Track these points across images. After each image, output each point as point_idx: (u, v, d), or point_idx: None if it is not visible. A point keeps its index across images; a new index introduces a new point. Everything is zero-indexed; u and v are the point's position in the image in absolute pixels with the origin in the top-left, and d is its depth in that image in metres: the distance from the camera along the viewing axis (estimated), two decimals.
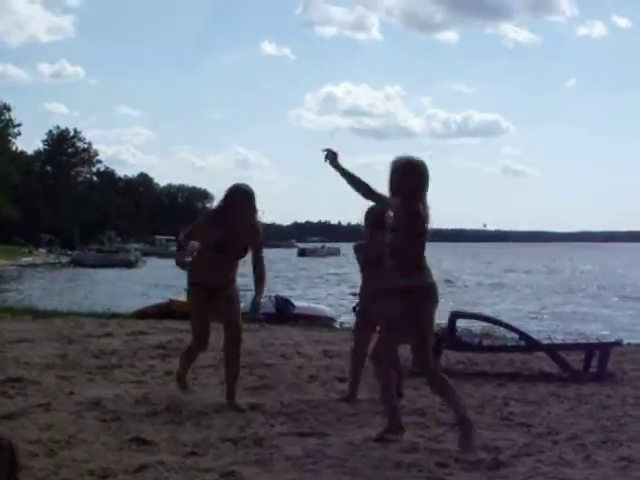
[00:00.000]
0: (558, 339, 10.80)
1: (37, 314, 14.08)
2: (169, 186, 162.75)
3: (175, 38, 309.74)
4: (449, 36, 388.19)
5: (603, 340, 9.62)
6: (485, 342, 9.54)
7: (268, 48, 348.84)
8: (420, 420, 6.21)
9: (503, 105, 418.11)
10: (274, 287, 36.61)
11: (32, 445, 5.13)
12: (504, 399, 7.19)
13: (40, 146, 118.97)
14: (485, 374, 8.62)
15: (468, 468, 4.86)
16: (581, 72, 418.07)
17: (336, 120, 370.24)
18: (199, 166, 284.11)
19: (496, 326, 10.37)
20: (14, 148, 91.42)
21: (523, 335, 9.16)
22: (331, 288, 43.19)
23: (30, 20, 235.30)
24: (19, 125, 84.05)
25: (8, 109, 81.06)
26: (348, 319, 17.33)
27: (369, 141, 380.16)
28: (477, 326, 11.92)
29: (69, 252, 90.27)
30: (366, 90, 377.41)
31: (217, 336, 7.09)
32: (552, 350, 8.87)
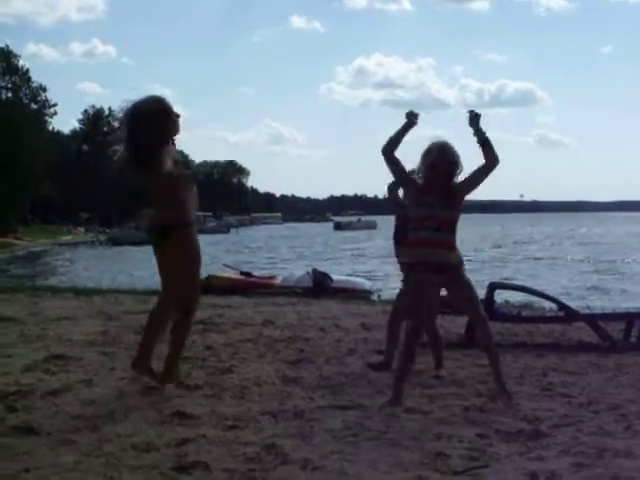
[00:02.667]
0: (597, 309, 10.73)
1: (77, 292, 14.23)
2: (204, 163, 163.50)
3: (205, 15, 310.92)
4: (480, 5, 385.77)
5: None
6: (524, 313, 9.51)
7: (298, 22, 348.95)
8: (459, 391, 6.22)
9: (537, 74, 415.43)
10: (311, 261, 36.84)
11: (75, 420, 5.20)
12: (543, 369, 7.17)
13: (76, 125, 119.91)
14: (524, 345, 8.60)
15: (508, 439, 4.86)
16: (616, 39, 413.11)
17: (368, 93, 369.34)
18: (232, 142, 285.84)
19: (535, 297, 10.32)
20: (50, 128, 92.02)
21: (562, 305, 9.11)
22: (368, 260, 43.19)
23: (60, 0, 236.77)
24: (55, 105, 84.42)
25: (44, 89, 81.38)
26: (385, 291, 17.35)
27: (402, 113, 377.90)
28: (516, 297, 11.87)
29: (107, 230, 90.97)
30: (398, 62, 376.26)
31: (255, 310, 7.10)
32: (591, 320, 8.81)
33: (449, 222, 5.86)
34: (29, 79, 79.21)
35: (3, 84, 77.32)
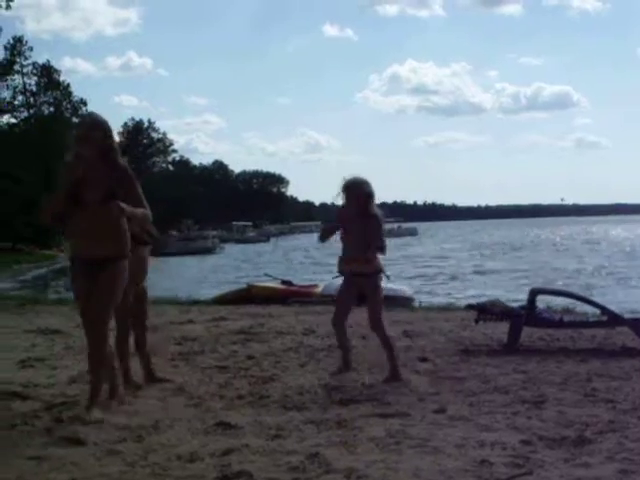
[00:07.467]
0: None
1: None
2: (244, 172, 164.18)
3: (239, 25, 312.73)
4: (513, 9, 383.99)
5: None
6: (566, 318, 9.41)
7: (330, 31, 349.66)
8: (502, 398, 6.19)
9: (573, 76, 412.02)
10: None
11: (121, 431, 5.26)
12: (587, 375, 7.11)
13: (116, 138, 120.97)
14: (567, 350, 8.53)
15: (552, 445, 4.84)
16: None
17: (403, 99, 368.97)
18: (270, 151, 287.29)
19: (577, 301, 10.23)
20: None
21: (605, 310, 9.02)
22: (409, 267, 43.13)
23: (96, 15, 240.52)
24: None
25: (84, 103, 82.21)
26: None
27: (438, 119, 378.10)
28: (558, 302, 11.77)
29: (150, 242, 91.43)
30: (432, 68, 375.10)
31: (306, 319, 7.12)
32: (635, 324, 8.72)
33: None
34: (70, 94, 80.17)
35: (45, 99, 78.31)
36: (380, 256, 7.33)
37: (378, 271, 7.33)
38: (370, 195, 7.20)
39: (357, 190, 7.18)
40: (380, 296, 7.36)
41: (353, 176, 7.27)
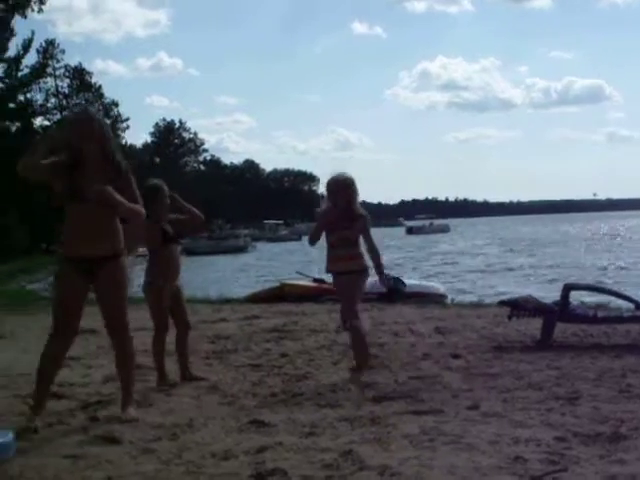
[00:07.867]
0: None
1: None
2: (275, 171, 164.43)
3: (268, 24, 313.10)
4: (542, 3, 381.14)
5: None
6: (600, 313, 9.35)
7: (359, 28, 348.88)
8: (536, 394, 6.16)
9: (605, 70, 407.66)
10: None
11: (155, 429, 5.30)
12: (622, 371, 7.05)
13: (147, 139, 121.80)
14: (601, 346, 8.47)
15: (587, 442, 4.80)
16: None
17: (433, 96, 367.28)
18: (301, 150, 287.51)
19: (611, 297, 10.16)
20: (123, 142, 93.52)
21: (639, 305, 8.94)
22: (439, 264, 42.99)
23: (126, 17, 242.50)
24: (127, 119, 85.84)
25: (116, 105, 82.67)
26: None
27: (469, 115, 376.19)
28: (592, 297, 11.69)
29: (181, 241, 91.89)
30: (461, 64, 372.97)
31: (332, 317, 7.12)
32: None
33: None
34: (102, 95, 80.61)
35: (77, 101, 78.76)
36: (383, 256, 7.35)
37: (365, 269, 7.26)
38: (353, 191, 7.18)
39: (342, 185, 7.16)
40: (361, 292, 7.29)
41: (337, 173, 7.25)
